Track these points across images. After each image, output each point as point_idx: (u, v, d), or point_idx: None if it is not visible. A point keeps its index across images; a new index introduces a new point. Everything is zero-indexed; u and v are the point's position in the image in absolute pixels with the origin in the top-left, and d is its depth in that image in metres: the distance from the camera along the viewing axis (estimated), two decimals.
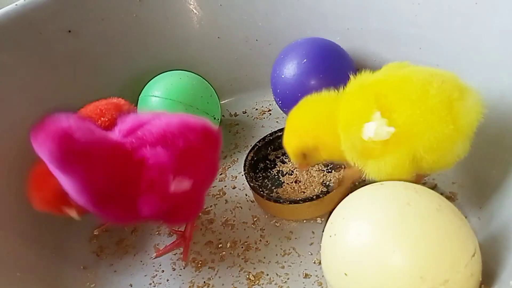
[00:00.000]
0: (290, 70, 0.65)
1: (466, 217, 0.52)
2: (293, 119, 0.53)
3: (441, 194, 0.56)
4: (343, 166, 0.61)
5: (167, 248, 0.58)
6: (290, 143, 0.52)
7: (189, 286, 0.54)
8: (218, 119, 0.71)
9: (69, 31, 0.67)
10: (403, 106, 0.45)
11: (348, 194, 0.47)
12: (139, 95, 0.69)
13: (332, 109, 0.49)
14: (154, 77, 0.69)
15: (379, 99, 0.46)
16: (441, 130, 0.44)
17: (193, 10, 0.75)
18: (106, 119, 0.56)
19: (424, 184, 0.57)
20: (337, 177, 0.60)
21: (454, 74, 0.47)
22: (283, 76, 0.65)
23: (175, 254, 0.58)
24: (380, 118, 0.45)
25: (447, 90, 0.45)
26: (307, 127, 0.51)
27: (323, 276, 0.51)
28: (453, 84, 0.46)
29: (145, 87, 0.69)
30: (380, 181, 0.47)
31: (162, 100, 0.66)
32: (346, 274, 0.40)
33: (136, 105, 0.68)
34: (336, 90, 0.51)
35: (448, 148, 0.45)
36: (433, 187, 0.58)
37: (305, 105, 0.52)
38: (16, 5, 0.62)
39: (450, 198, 0.56)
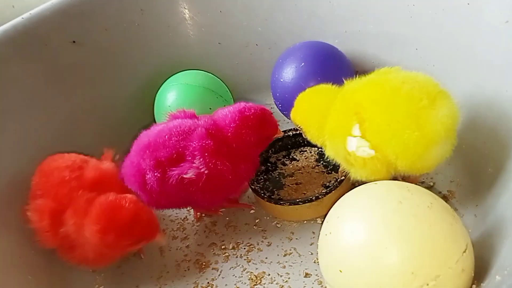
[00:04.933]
0: (288, 74, 0.66)
1: (463, 215, 0.54)
2: (301, 102, 0.58)
3: (439, 192, 0.58)
4: None
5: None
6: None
7: (194, 287, 0.55)
8: None
9: (74, 42, 0.68)
10: (374, 114, 0.47)
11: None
12: (156, 91, 0.71)
13: (326, 105, 0.53)
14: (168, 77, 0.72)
15: (357, 109, 0.48)
16: (406, 137, 0.45)
17: (194, 17, 0.77)
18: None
19: (422, 183, 0.58)
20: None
21: (430, 79, 0.48)
22: (282, 80, 0.66)
23: (179, 256, 0.60)
24: (360, 137, 0.47)
25: (415, 97, 0.46)
26: (307, 114, 0.56)
27: None
28: (424, 90, 0.46)
29: (166, 81, 0.71)
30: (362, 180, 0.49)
31: (192, 87, 0.68)
32: (341, 271, 0.42)
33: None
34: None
35: (418, 154, 0.46)
36: (431, 186, 0.59)
37: (313, 93, 0.57)
38: (22, 18, 0.64)
39: (448, 196, 0.57)
